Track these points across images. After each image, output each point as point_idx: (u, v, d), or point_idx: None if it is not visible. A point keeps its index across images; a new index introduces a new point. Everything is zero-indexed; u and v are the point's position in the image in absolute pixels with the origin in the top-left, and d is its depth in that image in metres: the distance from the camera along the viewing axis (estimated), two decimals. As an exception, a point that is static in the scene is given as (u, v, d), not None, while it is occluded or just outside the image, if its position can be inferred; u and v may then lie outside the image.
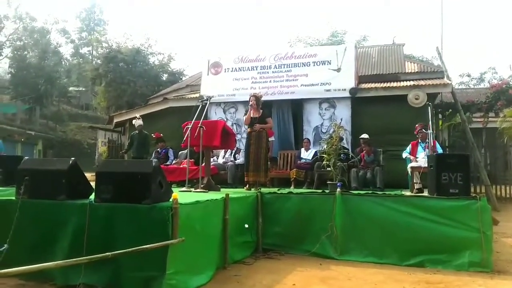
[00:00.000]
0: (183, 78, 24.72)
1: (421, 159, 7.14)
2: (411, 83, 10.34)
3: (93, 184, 4.19)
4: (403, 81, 10.88)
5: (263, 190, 6.40)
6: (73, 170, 4.31)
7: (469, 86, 29.24)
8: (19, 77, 32.31)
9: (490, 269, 4.80)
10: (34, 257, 3.77)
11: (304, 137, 9.85)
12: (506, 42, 55.90)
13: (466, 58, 55.14)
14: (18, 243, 4.05)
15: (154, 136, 10.03)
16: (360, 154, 8.46)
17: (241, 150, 8.87)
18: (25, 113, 33.54)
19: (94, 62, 35.74)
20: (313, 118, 10.20)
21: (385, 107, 9.69)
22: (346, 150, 8.24)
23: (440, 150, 7.51)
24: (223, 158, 9.49)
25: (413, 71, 11.93)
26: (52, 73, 34.01)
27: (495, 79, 27.30)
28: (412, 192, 6.68)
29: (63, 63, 41.13)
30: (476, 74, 30.55)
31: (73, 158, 4.38)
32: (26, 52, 34.49)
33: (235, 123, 10.69)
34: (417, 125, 7.82)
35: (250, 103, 6.96)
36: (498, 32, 61.82)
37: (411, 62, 13.30)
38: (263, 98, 7.37)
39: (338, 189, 5.63)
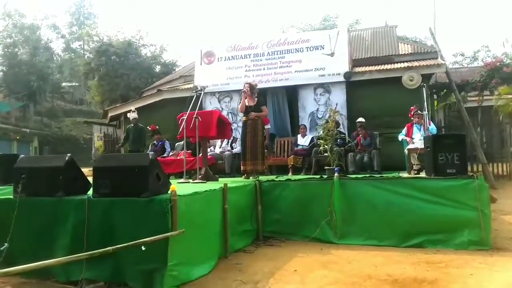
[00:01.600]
0: (176, 69, 24.64)
1: (418, 141, 7.16)
2: (405, 64, 10.33)
3: (90, 179, 4.18)
4: (397, 63, 10.86)
5: (261, 178, 6.41)
6: (70, 166, 4.29)
7: (462, 65, 29.21)
8: (11, 75, 32.07)
9: (490, 246, 4.84)
10: (35, 254, 3.76)
11: (300, 124, 9.85)
12: (498, 20, 55.79)
13: (459, 37, 55.03)
14: (18, 242, 4.06)
15: (149, 128, 10.00)
16: (357, 138, 8.47)
17: (238, 139, 8.86)
18: (19, 110, 33.33)
19: (86, 57, 35.48)
20: (309, 104, 10.19)
21: (380, 90, 9.69)
22: (342, 135, 8.25)
23: (434, 131, 7.53)
24: (220, 147, 9.48)
25: (406, 52, 11.90)
26: (44, 69, 33.77)
27: (488, 57, 27.25)
28: (409, 174, 6.70)
29: (54, 58, 40.90)
30: (469, 53, 30.51)
31: (69, 154, 4.37)
32: (16, 49, 34.17)
33: (230, 112, 10.67)
34: (412, 107, 7.83)
35: (244, 89, 6.94)
36: (490, 10, 61.62)
37: (404, 44, 13.27)
38: (258, 86, 7.34)
39: (336, 174, 5.64)
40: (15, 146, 26.69)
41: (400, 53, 11.82)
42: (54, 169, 4.23)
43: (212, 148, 9.41)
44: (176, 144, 9.83)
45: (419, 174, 6.40)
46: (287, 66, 10.37)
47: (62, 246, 3.99)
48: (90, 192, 4.12)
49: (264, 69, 10.55)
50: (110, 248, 3.15)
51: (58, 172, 4.19)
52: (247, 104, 6.87)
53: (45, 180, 4.21)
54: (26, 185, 4.15)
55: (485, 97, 13.05)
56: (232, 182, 5.64)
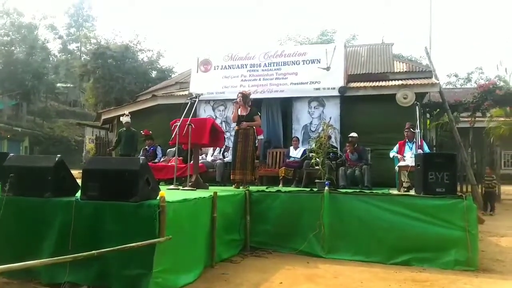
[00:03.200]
0: (172, 75, 24.67)
1: (409, 158, 7.19)
2: (400, 82, 10.40)
3: (80, 181, 4.15)
4: (391, 80, 10.93)
5: (252, 188, 6.39)
6: (59, 167, 4.26)
7: (456, 86, 29.55)
8: (6, 73, 31.93)
9: (476, 267, 4.85)
10: (19, 255, 3.72)
11: (293, 136, 9.86)
12: (492, 42, 56.54)
13: (453, 58, 55.68)
14: (3, 241, 4.02)
15: (143, 133, 9.96)
16: (345, 153, 8.51)
17: (230, 148, 8.85)
18: (12, 109, 33.14)
19: (82, 58, 35.42)
20: (302, 117, 10.21)
21: (374, 106, 9.74)
22: (334, 149, 8.27)
23: (427, 150, 7.57)
24: (211, 156, 9.46)
25: (401, 70, 11.98)
26: (40, 69, 33.69)
27: (482, 79, 27.62)
28: (399, 191, 6.72)
29: (50, 59, 40.79)
30: (463, 74, 30.91)
31: (59, 155, 4.34)
32: (13, 48, 34.08)
33: (224, 121, 10.67)
34: (407, 124, 7.87)
35: (236, 100, 6.95)
36: (484, 33, 62.45)
37: (399, 62, 13.36)
38: (252, 96, 7.35)
39: (326, 188, 5.65)
40: (5, 145, 26.52)
41: (395, 70, 11.90)
42: (43, 169, 4.20)
43: (204, 156, 9.39)
44: (168, 150, 9.79)
45: (408, 191, 6.42)
46: (283, 78, 10.40)
47: (47, 248, 3.95)
48: (78, 194, 4.08)
49: (260, 79, 10.57)
50: (94, 251, 3.12)
51: (47, 172, 4.16)
52: (239, 113, 6.87)
53: (34, 180, 4.18)
54: (14, 184, 4.11)
55: (477, 119, 13.17)
56: (222, 191, 5.63)
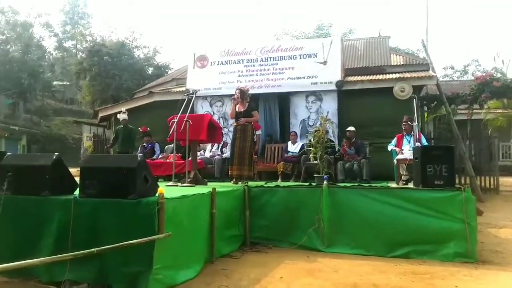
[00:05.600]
0: (169, 72, 24.61)
1: (407, 152, 7.20)
2: (397, 75, 10.39)
3: (78, 179, 4.14)
4: (388, 73, 10.93)
5: (250, 183, 6.39)
6: (57, 165, 4.25)
7: (452, 78, 29.56)
8: (1, 72, 31.74)
9: (475, 259, 4.86)
10: (18, 254, 3.71)
11: (291, 130, 9.87)
12: (488, 35, 56.57)
13: (449, 51, 55.69)
14: (2, 240, 4.00)
15: (141, 130, 9.95)
16: (342, 147, 8.52)
17: (228, 144, 8.85)
18: (8, 108, 32.97)
19: (78, 56, 35.26)
20: (300, 111, 10.21)
21: (371, 100, 9.74)
22: (332, 143, 8.27)
23: (425, 143, 7.58)
24: (210, 152, 9.46)
25: (398, 63, 11.98)
26: (36, 67, 33.49)
27: (478, 71, 27.61)
28: (398, 184, 6.73)
29: (46, 57, 40.54)
30: (459, 67, 30.89)
31: (56, 153, 4.33)
32: (8, 46, 33.90)
33: (221, 117, 10.67)
34: (405, 117, 7.88)
35: (234, 96, 6.94)
36: (480, 25, 62.42)
37: (396, 55, 13.35)
38: (250, 92, 7.34)
39: (325, 182, 5.64)
40: (3, 144, 26.44)
41: (392, 64, 11.89)
42: (41, 168, 4.18)
43: (202, 152, 9.39)
44: (166, 146, 9.79)
45: (407, 184, 6.43)
46: (279, 73, 10.40)
47: (46, 246, 3.94)
48: (77, 192, 4.07)
49: (257, 74, 10.56)
50: (94, 249, 3.11)
51: (45, 171, 4.15)
52: (237, 110, 6.86)
53: (32, 178, 4.16)
54: (12, 183, 4.09)
55: (474, 111, 13.18)
56: (221, 186, 5.63)
